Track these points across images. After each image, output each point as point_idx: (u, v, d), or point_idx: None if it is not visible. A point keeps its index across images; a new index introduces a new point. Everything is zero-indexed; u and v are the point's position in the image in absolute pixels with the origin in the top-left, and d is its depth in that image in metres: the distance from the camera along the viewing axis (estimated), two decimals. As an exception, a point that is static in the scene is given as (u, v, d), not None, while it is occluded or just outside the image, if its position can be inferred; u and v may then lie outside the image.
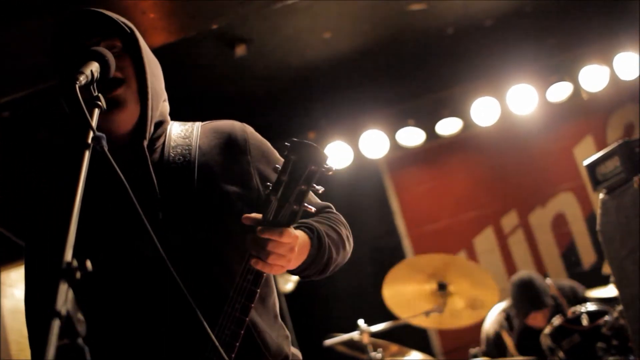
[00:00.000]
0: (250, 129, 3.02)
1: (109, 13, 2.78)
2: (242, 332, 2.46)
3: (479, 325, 7.69)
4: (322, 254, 2.68)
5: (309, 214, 2.53)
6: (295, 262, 2.54)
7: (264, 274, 2.45)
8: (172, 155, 2.84)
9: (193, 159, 2.82)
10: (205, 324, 2.29)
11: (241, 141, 2.94)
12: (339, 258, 2.86)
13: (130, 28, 2.82)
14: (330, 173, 2.38)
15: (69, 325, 1.70)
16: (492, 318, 7.46)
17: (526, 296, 7.05)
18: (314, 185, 2.36)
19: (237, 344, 2.45)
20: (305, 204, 2.38)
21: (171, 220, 2.65)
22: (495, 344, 7.30)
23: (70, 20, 2.75)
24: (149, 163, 2.74)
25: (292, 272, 2.67)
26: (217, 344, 2.33)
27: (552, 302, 6.94)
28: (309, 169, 2.31)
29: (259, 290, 2.46)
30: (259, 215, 2.40)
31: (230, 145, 2.92)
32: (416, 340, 7.62)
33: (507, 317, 7.30)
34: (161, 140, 2.92)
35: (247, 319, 2.46)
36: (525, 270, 7.96)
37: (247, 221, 2.43)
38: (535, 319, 7.02)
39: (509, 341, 7.07)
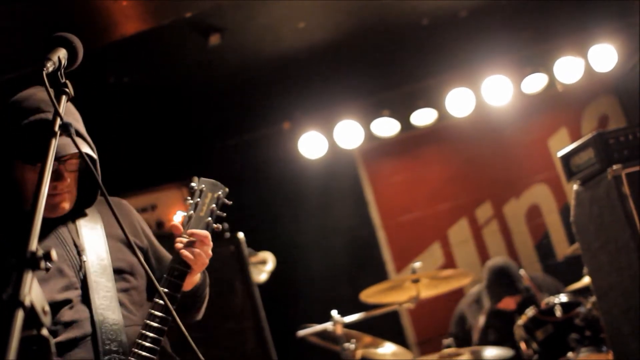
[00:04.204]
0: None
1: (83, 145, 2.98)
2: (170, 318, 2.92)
3: (451, 317, 7.72)
4: (206, 281, 3.33)
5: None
6: (202, 265, 3.09)
7: (189, 270, 3.03)
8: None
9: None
10: None
11: None
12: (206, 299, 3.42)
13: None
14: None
15: (33, 315, 1.67)
16: (463, 299, 7.73)
17: (501, 281, 7.19)
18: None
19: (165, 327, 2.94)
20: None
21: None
22: (458, 324, 7.61)
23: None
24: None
25: (193, 298, 3.26)
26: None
27: (524, 288, 7.01)
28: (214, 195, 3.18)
29: (183, 284, 3.03)
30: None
31: None
32: (390, 332, 7.61)
33: (478, 299, 7.43)
34: None
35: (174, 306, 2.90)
36: (501, 256, 8.04)
37: (175, 229, 3.07)
38: (507, 303, 7.15)
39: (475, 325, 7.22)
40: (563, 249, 8.56)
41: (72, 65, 2.47)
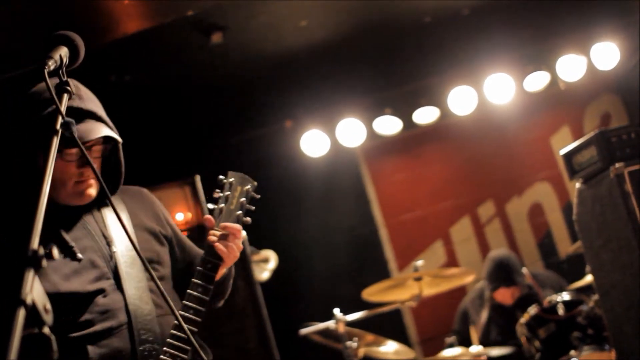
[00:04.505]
0: None
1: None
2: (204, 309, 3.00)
3: (454, 315, 7.72)
4: (232, 272, 3.41)
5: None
6: (234, 258, 3.16)
7: (221, 263, 3.09)
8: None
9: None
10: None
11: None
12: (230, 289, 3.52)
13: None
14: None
15: (34, 314, 1.67)
16: (467, 296, 7.77)
17: (498, 271, 7.25)
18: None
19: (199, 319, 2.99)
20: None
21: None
22: (462, 320, 7.61)
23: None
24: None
25: (220, 287, 3.32)
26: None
27: (523, 282, 7.03)
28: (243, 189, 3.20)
29: (216, 276, 3.08)
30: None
31: None
32: (392, 330, 7.61)
33: (480, 294, 7.45)
34: None
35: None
36: (503, 248, 8.06)
37: (208, 221, 3.10)
38: (503, 295, 7.20)
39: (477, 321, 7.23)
40: (565, 247, 8.55)
41: (74, 64, 2.47)
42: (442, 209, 9.06)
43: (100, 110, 3.08)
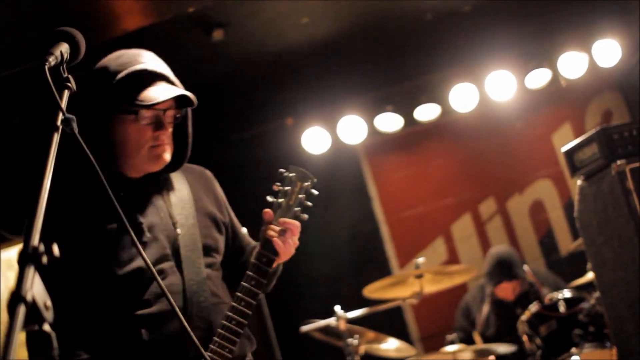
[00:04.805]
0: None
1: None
2: (250, 312, 2.97)
3: (455, 312, 7.72)
4: (280, 269, 3.42)
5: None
6: (290, 254, 3.14)
7: (277, 257, 3.06)
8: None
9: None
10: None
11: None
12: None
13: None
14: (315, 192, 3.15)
15: (34, 311, 1.66)
16: (469, 292, 7.78)
17: (499, 266, 7.28)
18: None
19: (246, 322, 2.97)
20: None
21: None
22: (463, 316, 7.63)
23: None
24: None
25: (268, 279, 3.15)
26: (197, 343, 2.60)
27: (524, 277, 7.02)
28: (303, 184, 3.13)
29: (270, 270, 3.06)
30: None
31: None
32: (393, 327, 7.62)
33: (482, 290, 7.47)
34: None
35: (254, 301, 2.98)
36: (504, 244, 8.08)
37: (267, 215, 3.06)
38: (505, 290, 7.20)
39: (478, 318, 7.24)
40: (566, 244, 8.55)
41: (75, 60, 2.46)
42: (443, 206, 9.06)
43: (171, 74, 3.13)
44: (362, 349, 6.06)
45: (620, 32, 8.23)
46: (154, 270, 2.49)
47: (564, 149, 5.31)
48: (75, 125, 2.19)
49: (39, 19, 5.60)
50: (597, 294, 5.79)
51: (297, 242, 3.13)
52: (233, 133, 8.68)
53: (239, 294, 2.97)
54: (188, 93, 3.03)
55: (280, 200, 3.10)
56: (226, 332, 2.92)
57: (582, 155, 5.13)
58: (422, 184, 9.13)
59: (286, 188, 3.12)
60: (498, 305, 7.27)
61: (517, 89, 8.41)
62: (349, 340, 5.88)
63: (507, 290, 7.19)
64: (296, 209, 3.11)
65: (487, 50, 8.16)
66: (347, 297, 6.72)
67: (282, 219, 3.06)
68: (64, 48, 2.38)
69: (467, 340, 7.07)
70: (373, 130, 8.66)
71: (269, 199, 3.12)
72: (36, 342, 1.71)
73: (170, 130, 3.07)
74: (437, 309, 8.35)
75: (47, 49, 2.32)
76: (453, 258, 8.90)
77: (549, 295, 6.44)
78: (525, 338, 6.44)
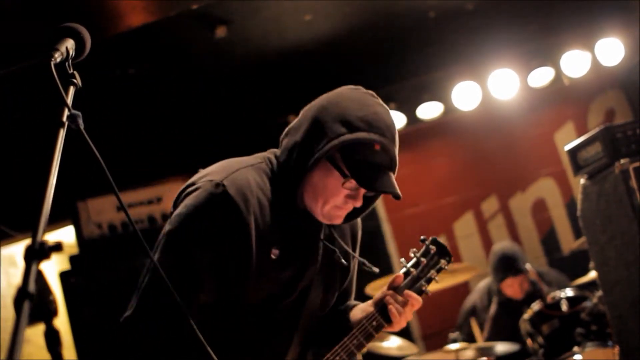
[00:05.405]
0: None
1: None
2: None
3: (458, 310, 7.71)
4: None
5: None
6: (401, 327, 3.02)
7: (387, 325, 2.96)
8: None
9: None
10: None
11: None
12: None
13: None
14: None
15: (43, 307, 1.66)
16: (474, 294, 7.71)
17: (502, 261, 7.22)
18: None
19: None
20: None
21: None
22: (468, 316, 7.57)
23: None
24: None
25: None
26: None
27: (528, 270, 7.00)
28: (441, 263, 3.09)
29: (376, 335, 2.97)
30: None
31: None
32: (395, 325, 7.60)
33: (488, 290, 7.42)
34: None
35: (359, 354, 2.96)
36: (507, 241, 8.06)
37: (397, 280, 3.03)
38: (511, 287, 7.17)
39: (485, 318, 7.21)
40: (569, 243, 8.55)
41: (80, 56, 2.45)
42: (445, 204, 9.06)
43: (396, 157, 3.15)
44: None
45: (623, 31, 8.23)
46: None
47: (567, 147, 5.31)
48: (81, 121, 2.17)
49: (43, 14, 5.59)
50: (599, 293, 5.79)
51: (411, 317, 3.04)
52: (235, 130, 8.67)
53: (338, 349, 2.94)
54: (399, 192, 3.04)
55: (412, 269, 3.05)
56: None
57: (585, 153, 5.13)
58: (424, 182, 9.12)
59: (422, 259, 3.09)
60: (506, 306, 7.20)
61: (519, 87, 8.41)
62: (351, 338, 5.86)
63: (514, 287, 7.12)
64: (423, 283, 3.06)
65: (490, 49, 8.16)
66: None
67: (407, 292, 2.99)
68: (70, 44, 2.37)
69: (470, 340, 7.05)
70: (375, 128, 8.63)
71: (403, 262, 3.09)
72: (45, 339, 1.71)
73: (359, 205, 2.98)
74: (439, 307, 8.33)
75: (52, 45, 2.32)
76: (455, 256, 8.79)
77: (552, 294, 6.43)
78: (527, 337, 6.44)
